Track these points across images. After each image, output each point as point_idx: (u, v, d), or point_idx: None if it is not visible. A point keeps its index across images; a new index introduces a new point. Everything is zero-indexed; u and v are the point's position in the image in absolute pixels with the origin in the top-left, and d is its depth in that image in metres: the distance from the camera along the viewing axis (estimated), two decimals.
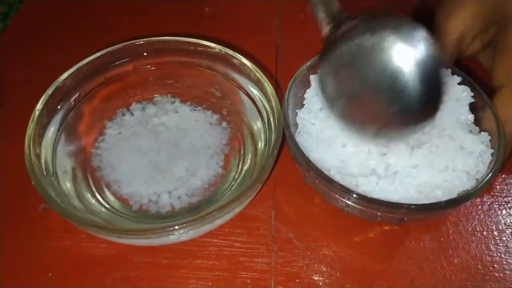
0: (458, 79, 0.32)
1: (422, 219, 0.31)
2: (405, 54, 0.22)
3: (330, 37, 0.25)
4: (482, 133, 0.30)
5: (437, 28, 0.35)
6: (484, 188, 0.27)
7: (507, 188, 0.35)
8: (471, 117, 0.32)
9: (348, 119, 0.27)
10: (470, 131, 0.31)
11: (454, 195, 0.28)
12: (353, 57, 0.23)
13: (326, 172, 0.28)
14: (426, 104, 0.23)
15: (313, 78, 0.33)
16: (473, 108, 0.32)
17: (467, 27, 0.32)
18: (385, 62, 0.22)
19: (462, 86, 0.32)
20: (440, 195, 0.28)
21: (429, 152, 0.29)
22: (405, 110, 0.23)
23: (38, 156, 0.29)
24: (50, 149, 0.31)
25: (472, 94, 0.32)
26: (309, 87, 0.33)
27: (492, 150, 0.29)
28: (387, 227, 0.32)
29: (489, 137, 0.30)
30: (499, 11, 0.32)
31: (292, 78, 0.32)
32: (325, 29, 0.25)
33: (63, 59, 0.35)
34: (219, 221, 0.29)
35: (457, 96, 0.32)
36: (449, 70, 0.33)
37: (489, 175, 0.28)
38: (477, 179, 0.28)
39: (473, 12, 0.32)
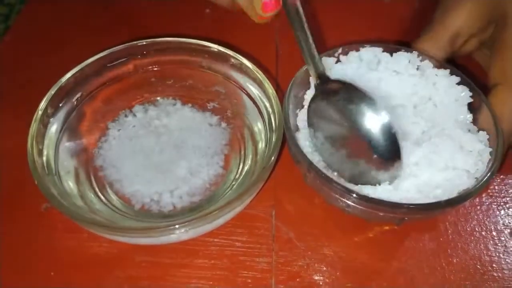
0: (456, 79, 0.33)
1: (422, 218, 0.32)
2: (373, 120, 0.28)
3: (317, 90, 0.31)
4: (481, 132, 0.31)
5: (433, 24, 0.35)
6: (484, 186, 0.28)
7: (506, 188, 0.35)
8: (469, 116, 0.32)
9: (325, 152, 0.31)
10: (469, 130, 0.31)
11: (454, 194, 0.28)
12: (335, 114, 0.30)
13: (326, 173, 0.28)
14: (384, 154, 0.28)
15: (312, 80, 0.33)
16: (471, 107, 0.32)
17: (464, 24, 0.33)
18: (359, 123, 0.29)
19: (461, 86, 0.32)
20: (440, 194, 0.28)
21: (429, 151, 0.29)
22: (369, 155, 0.29)
23: (41, 156, 0.29)
24: (52, 149, 0.31)
25: (471, 94, 0.32)
26: (309, 88, 0.33)
27: (491, 149, 0.29)
28: (387, 227, 0.32)
29: (487, 136, 0.30)
30: (497, 9, 0.33)
31: (292, 79, 0.32)
32: (315, 81, 0.31)
33: (65, 60, 0.35)
34: (220, 221, 0.29)
35: (456, 96, 0.32)
36: (448, 71, 0.33)
37: (489, 174, 0.28)
38: (476, 178, 0.28)
39: (471, 9, 0.33)
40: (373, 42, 0.35)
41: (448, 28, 0.34)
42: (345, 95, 0.29)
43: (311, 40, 0.29)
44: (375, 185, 0.29)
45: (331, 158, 0.31)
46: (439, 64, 0.34)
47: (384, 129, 0.28)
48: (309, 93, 0.33)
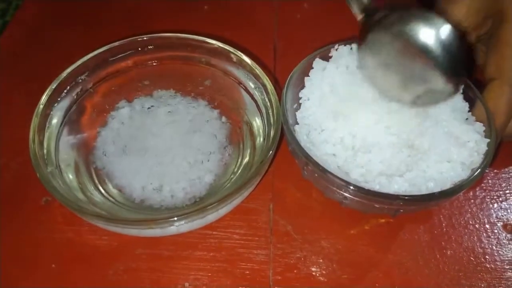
0: None
1: (417, 210, 0.32)
2: (431, 35, 0.27)
3: (366, 24, 0.30)
4: (477, 123, 0.31)
5: None
6: (478, 178, 0.28)
7: (499, 182, 0.36)
8: (465, 104, 0.32)
9: (386, 86, 0.31)
10: (467, 119, 0.31)
11: (447, 186, 0.28)
12: (392, 39, 0.29)
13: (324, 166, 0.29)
14: (453, 66, 0.27)
15: (306, 80, 0.34)
16: (468, 99, 0.33)
17: (461, 18, 0.34)
18: (417, 41, 0.27)
19: None
20: (434, 186, 0.28)
21: (424, 143, 0.30)
22: (436, 73, 0.28)
23: (42, 149, 0.30)
24: (53, 142, 0.31)
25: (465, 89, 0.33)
26: (302, 88, 0.34)
27: (488, 140, 0.30)
28: (382, 220, 0.33)
29: (483, 128, 0.31)
30: (495, 5, 0.33)
31: (290, 75, 0.33)
32: (359, 17, 0.30)
33: (64, 55, 0.36)
34: (219, 213, 0.29)
35: None
36: None
37: (483, 165, 0.29)
38: (471, 169, 0.29)
39: (469, 4, 0.33)
40: None
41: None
42: (400, 18, 0.28)
43: None
44: (437, 103, 0.29)
45: (389, 87, 0.30)
46: None
47: (448, 39, 0.27)
48: (303, 93, 0.34)
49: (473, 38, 0.36)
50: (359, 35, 0.31)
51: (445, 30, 0.27)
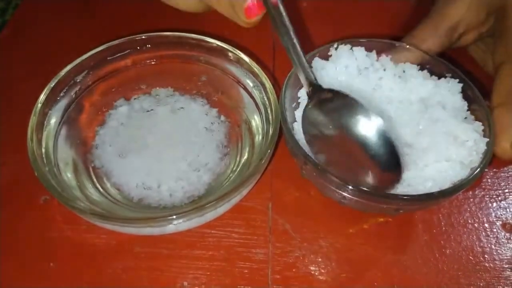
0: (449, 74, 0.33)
1: (416, 209, 0.32)
2: (368, 126, 0.28)
3: (311, 97, 0.30)
4: (476, 122, 0.31)
5: (431, 15, 0.36)
6: (477, 177, 0.28)
7: (498, 181, 0.36)
8: (464, 103, 0.32)
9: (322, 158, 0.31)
10: (465, 118, 0.32)
11: (447, 185, 0.28)
12: (330, 123, 0.29)
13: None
14: (384, 164, 0.28)
15: (304, 88, 0.33)
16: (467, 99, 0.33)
17: (463, 16, 0.34)
18: (356, 134, 0.28)
19: (447, 79, 0.33)
20: (432, 186, 0.28)
21: (423, 142, 0.30)
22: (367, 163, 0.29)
23: (40, 148, 0.30)
24: (51, 141, 0.31)
25: (458, 80, 0.33)
26: (301, 87, 0.34)
27: (487, 140, 0.30)
28: (381, 219, 0.33)
29: (482, 127, 0.31)
30: (496, 2, 0.33)
31: (289, 74, 0.33)
32: (307, 89, 0.30)
33: (63, 54, 0.35)
34: (217, 212, 0.29)
35: (448, 87, 0.33)
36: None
37: (482, 165, 0.28)
38: (470, 168, 0.29)
39: (470, 2, 0.34)
40: (366, 37, 0.35)
41: (447, 19, 0.35)
42: (339, 106, 0.29)
43: (299, 48, 0.28)
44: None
45: (328, 164, 0.30)
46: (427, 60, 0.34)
47: (382, 140, 0.27)
48: (302, 91, 0.34)
49: (475, 36, 0.36)
50: (306, 105, 0.31)
51: (380, 126, 0.27)
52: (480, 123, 0.31)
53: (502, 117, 0.31)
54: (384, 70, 0.34)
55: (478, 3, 0.34)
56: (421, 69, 0.34)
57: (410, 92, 0.33)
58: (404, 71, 0.34)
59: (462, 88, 0.33)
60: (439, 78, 0.34)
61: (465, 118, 0.32)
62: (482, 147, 0.30)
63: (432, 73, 0.34)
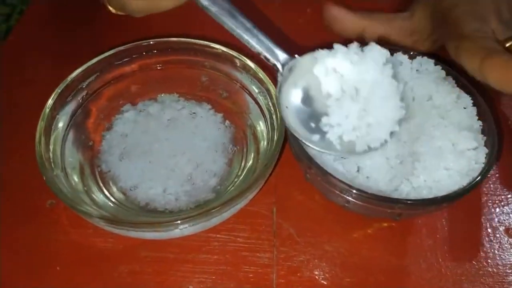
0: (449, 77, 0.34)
1: (419, 214, 0.32)
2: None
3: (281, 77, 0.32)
4: (476, 130, 0.31)
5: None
6: (479, 183, 0.28)
7: (500, 187, 0.36)
8: (466, 111, 0.32)
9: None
10: (466, 127, 0.32)
11: (450, 190, 0.29)
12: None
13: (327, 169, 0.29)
14: None
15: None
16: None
17: (417, 26, 0.37)
18: None
19: (447, 84, 0.33)
20: (436, 191, 0.29)
21: (425, 151, 0.30)
22: None
23: (48, 152, 0.30)
24: (59, 145, 0.31)
25: (455, 82, 0.33)
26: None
27: (487, 150, 0.30)
28: (385, 224, 0.33)
29: (481, 135, 0.31)
30: (438, 12, 0.35)
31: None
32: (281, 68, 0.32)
33: (69, 59, 0.36)
34: (222, 217, 0.30)
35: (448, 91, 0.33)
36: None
37: (485, 170, 0.29)
38: (472, 177, 0.29)
39: (420, 15, 0.37)
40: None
41: (407, 30, 0.37)
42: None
43: (256, 30, 0.30)
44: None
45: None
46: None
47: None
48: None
49: (431, 41, 0.37)
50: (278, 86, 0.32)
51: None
52: (480, 129, 0.31)
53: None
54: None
55: (426, 15, 0.36)
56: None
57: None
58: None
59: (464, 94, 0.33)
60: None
61: (466, 126, 0.32)
62: (482, 155, 0.30)
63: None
